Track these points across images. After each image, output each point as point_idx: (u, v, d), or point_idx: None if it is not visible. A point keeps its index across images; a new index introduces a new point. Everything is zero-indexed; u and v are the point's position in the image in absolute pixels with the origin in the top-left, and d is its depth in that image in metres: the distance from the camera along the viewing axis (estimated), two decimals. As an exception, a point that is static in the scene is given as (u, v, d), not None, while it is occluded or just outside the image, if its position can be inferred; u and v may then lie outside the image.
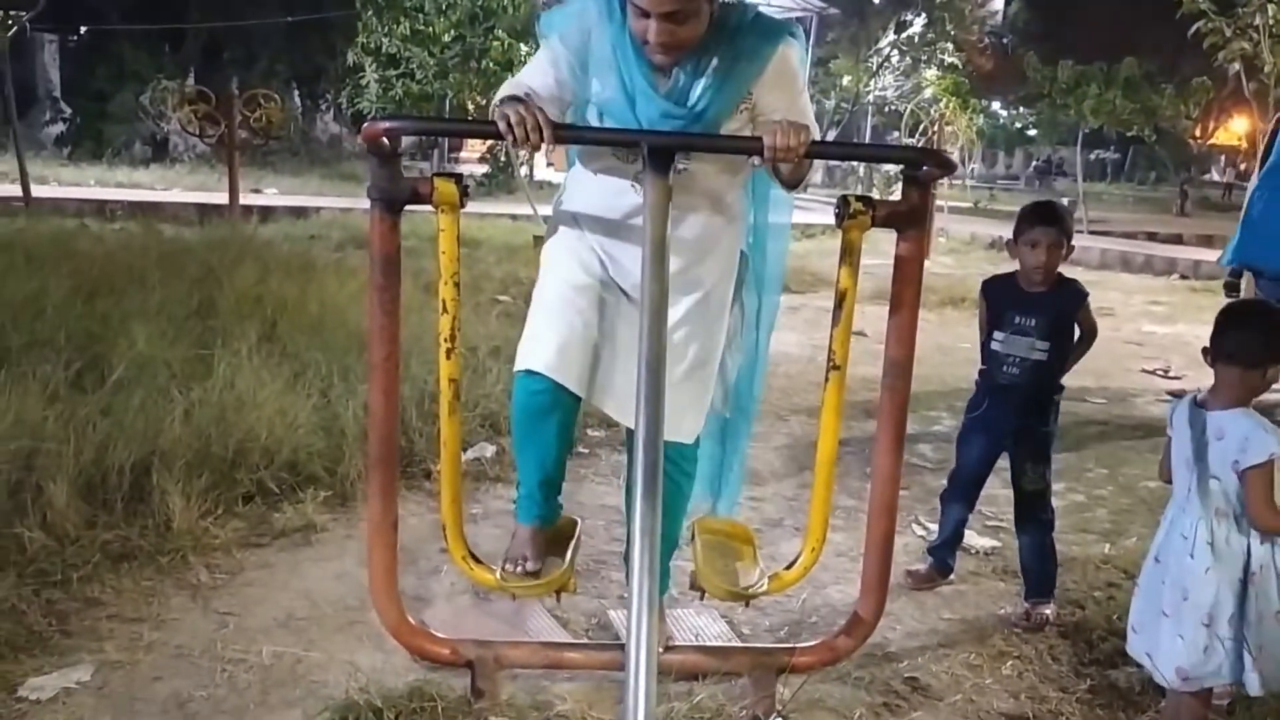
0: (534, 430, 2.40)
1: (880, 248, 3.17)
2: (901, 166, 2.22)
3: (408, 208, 2.18)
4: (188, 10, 22.13)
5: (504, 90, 2.19)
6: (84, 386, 3.90)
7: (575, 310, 2.27)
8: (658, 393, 1.81)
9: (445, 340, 2.20)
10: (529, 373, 2.30)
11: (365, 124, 2.05)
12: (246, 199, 11.71)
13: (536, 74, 2.23)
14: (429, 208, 2.14)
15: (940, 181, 16.11)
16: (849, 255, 2.14)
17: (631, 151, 2.13)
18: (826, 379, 2.21)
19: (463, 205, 2.13)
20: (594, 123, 2.25)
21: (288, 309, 5.33)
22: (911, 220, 2.12)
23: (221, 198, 11.58)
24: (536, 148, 2.00)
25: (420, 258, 5.93)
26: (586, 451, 4.39)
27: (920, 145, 16.97)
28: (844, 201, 2.12)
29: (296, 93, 24.73)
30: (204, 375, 4.07)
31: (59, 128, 22.03)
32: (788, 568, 2.37)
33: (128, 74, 20.45)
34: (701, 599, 2.44)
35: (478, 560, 2.40)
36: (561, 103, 2.23)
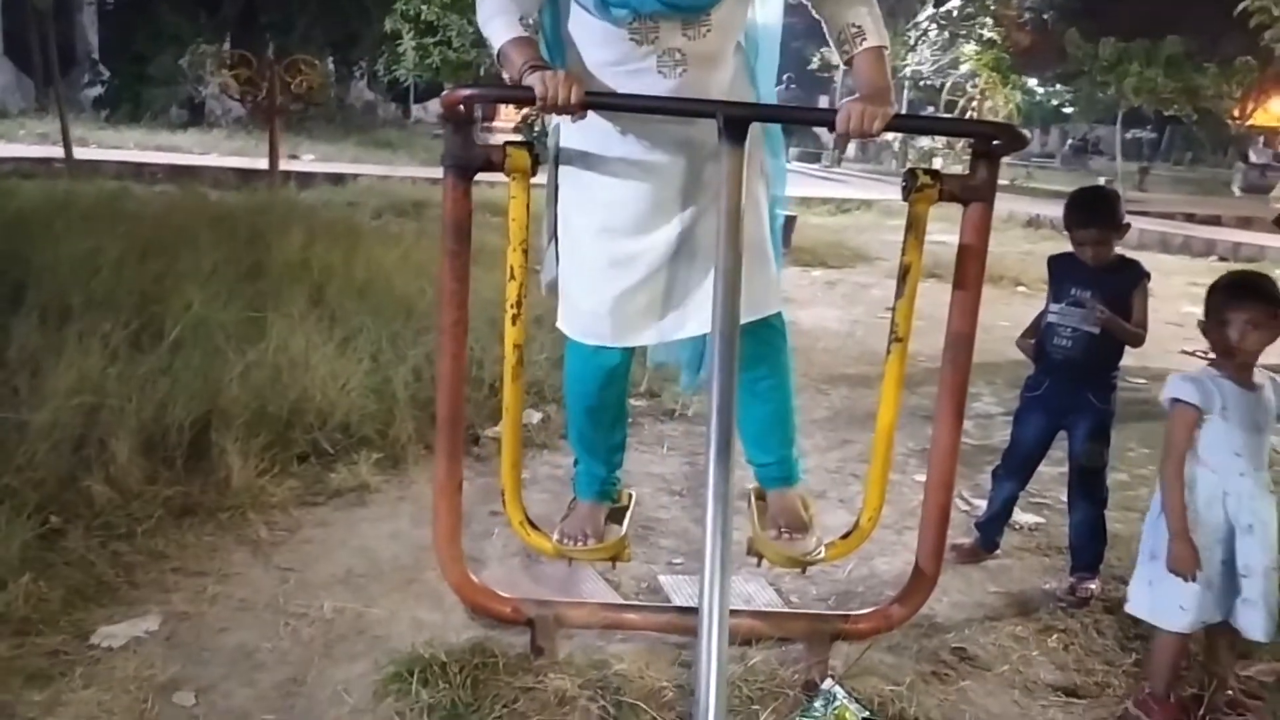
0: (593, 402, 2.45)
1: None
2: (968, 141, 2.23)
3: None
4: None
5: (484, 7, 2.09)
6: (141, 346, 3.98)
7: (613, 262, 2.24)
8: (731, 352, 1.83)
9: (512, 306, 2.24)
10: (594, 348, 2.33)
11: (445, 92, 2.08)
12: (285, 165, 11.78)
13: None
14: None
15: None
16: (915, 228, 2.15)
17: (646, 30, 2.06)
18: (889, 351, 2.23)
19: (534, 173, 2.16)
20: (592, 19, 2.10)
21: (335, 274, 5.39)
22: (979, 194, 2.13)
23: (260, 163, 11.67)
24: (571, 112, 1.97)
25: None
26: (630, 420, 4.42)
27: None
28: (911, 174, 2.13)
29: (331, 59, 24.75)
30: (257, 337, 4.14)
31: (97, 90, 22.18)
32: (845, 536, 2.40)
33: (166, 37, 20.51)
34: (759, 564, 2.48)
35: (534, 526, 2.45)
36: (538, 2, 2.14)
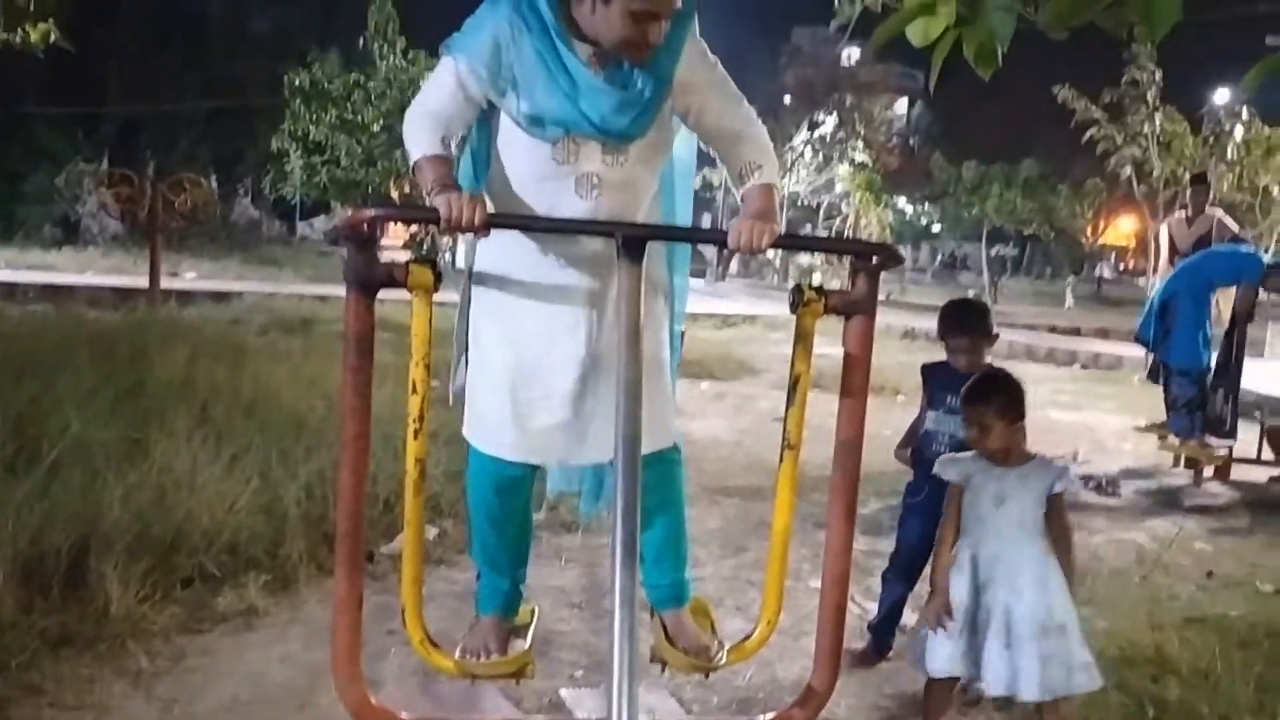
0: (496, 513, 2.46)
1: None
2: (853, 258, 2.37)
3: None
4: (105, 93, 21.96)
5: (412, 121, 2.21)
6: (17, 470, 3.81)
7: (518, 376, 2.30)
8: (634, 469, 1.89)
9: (414, 420, 2.25)
10: (494, 459, 2.36)
11: (351, 212, 2.13)
12: (165, 283, 11.55)
13: (444, 97, 2.21)
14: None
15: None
16: (802, 341, 2.27)
17: (569, 152, 2.19)
18: (782, 458, 2.31)
19: (436, 289, 2.20)
20: (520, 134, 2.21)
21: (221, 392, 5.28)
22: (861, 308, 2.26)
23: (139, 281, 11.42)
24: (474, 232, 2.07)
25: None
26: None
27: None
28: (798, 290, 2.25)
29: (215, 177, 24.57)
30: (140, 458, 4.02)
31: (-32, 209, 21.49)
32: (745, 639, 2.44)
33: (42, 155, 20.10)
34: (662, 671, 2.49)
35: (435, 644, 2.41)
36: (466, 118, 2.24)
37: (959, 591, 2.72)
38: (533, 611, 2.61)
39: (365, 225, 2.12)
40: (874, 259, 2.25)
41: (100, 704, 2.76)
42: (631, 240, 2.09)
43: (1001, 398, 2.77)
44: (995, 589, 2.69)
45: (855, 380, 2.31)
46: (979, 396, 2.78)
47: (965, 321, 3.24)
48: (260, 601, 3.44)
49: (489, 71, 2.18)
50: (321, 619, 3.15)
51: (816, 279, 18.13)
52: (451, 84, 2.21)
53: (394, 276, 2.17)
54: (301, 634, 3.27)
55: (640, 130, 2.23)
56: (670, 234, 2.26)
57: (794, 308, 2.26)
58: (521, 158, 2.25)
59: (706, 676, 2.64)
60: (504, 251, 2.30)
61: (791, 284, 2.28)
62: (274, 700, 2.85)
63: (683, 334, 2.69)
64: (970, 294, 14.58)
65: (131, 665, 2.99)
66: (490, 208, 2.27)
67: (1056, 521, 2.75)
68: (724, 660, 2.37)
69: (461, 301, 2.44)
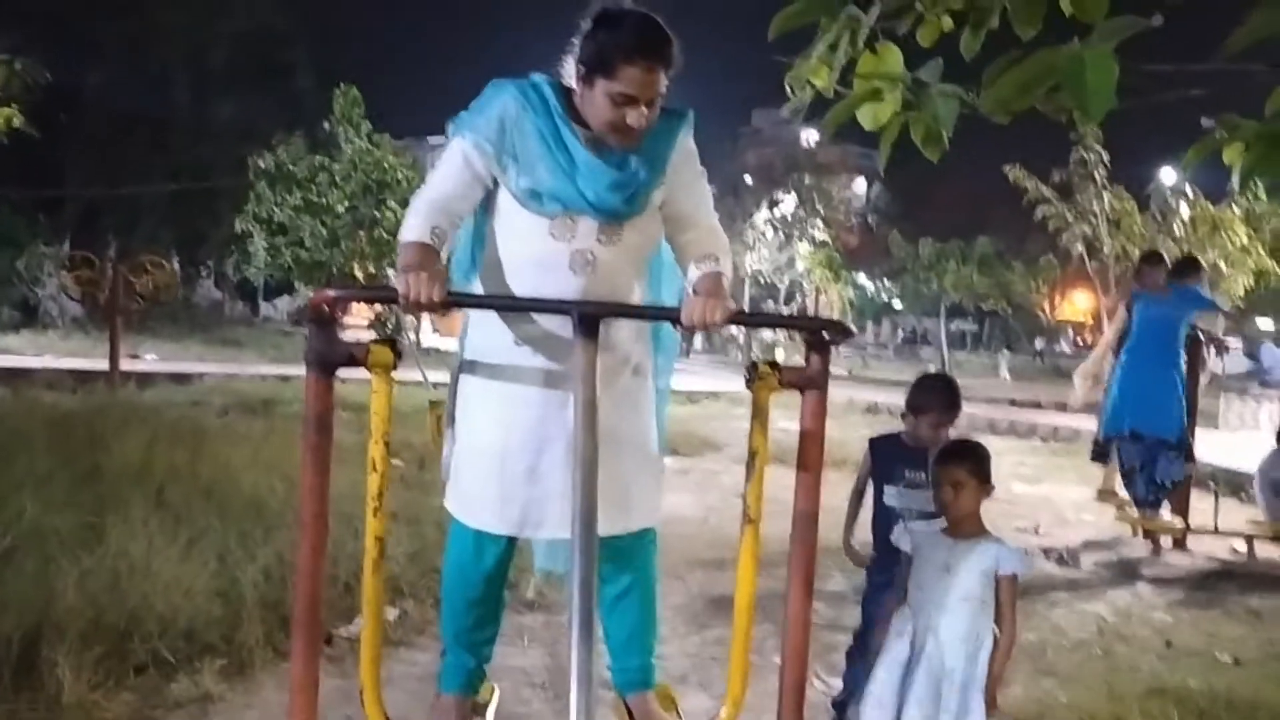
0: (471, 591, 2.47)
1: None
2: (805, 333, 2.43)
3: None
4: (68, 176, 21.98)
5: (412, 206, 2.33)
6: (-33, 556, 3.75)
7: (504, 452, 2.37)
8: (591, 545, 1.91)
9: (373, 499, 2.26)
10: (476, 532, 2.37)
11: (314, 293, 2.16)
12: (125, 365, 11.46)
13: (450, 175, 2.33)
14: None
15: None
16: (759, 416, 2.31)
17: (566, 229, 2.30)
18: (742, 532, 2.33)
19: (395, 368, 2.23)
20: (520, 211, 2.33)
21: (179, 475, 5.24)
22: (814, 382, 2.31)
23: (99, 364, 11.34)
24: (432, 311, 2.15)
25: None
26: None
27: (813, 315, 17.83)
28: (753, 366, 2.31)
29: (178, 258, 24.55)
30: (95, 543, 3.96)
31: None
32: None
33: (3, 239, 19.99)
34: (627, 754, 2.47)
35: (394, 726, 2.39)
36: (472, 198, 2.35)
37: (899, 655, 2.76)
38: (492, 689, 2.60)
39: (327, 306, 2.15)
40: (825, 334, 2.31)
41: (48, 797, 2.69)
42: (587, 318, 2.14)
43: (975, 459, 2.84)
44: (930, 660, 2.72)
45: (811, 453, 2.34)
46: (954, 457, 2.85)
47: (938, 395, 3.29)
48: (215, 687, 3.37)
49: (494, 147, 2.30)
50: (278, 704, 3.09)
51: (779, 354, 18.32)
52: (459, 161, 2.33)
53: (354, 356, 2.20)
54: (258, 720, 3.21)
55: (634, 210, 2.34)
56: (625, 311, 2.32)
57: (749, 383, 2.31)
58: (520, 235, 2.35)
59: (672, 756, 2.62)
60: (493, 330, 2.40)
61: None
62: (228, 789, 2.78)
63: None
64: (930, 368, 14.77)
65: (82, 755, 2.91)
66: (483, 288, 2.41)
67: (1004, 603, 2.75)
68: (689, 741, 2.36)
69: (451, 380, 2.51)
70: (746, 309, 30.77)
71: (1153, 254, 7.45)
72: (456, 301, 2.14)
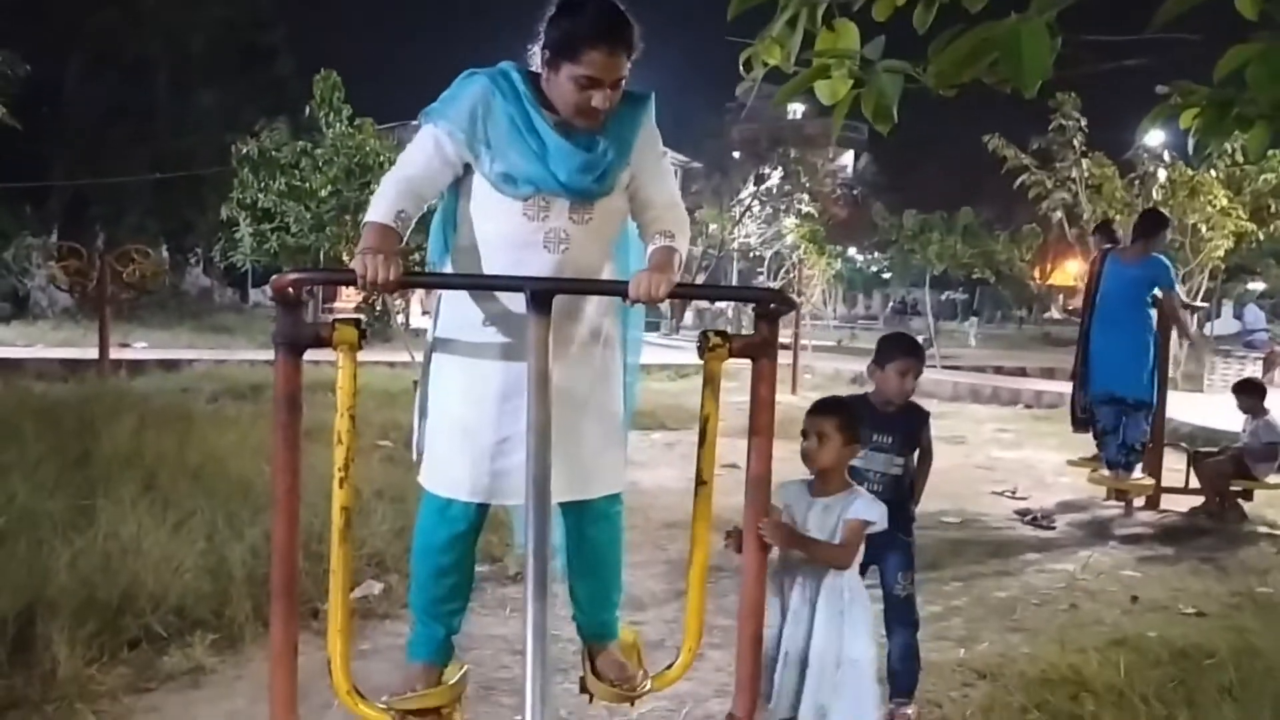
0: (440, 561, 2.57)
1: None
2: (753, 305, 2.54)
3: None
4: (53, 168, 21.95)
5: (381, 187, 2.43)
6: (-39, 540, 3.86)
7: (475, 423, 2.46)
8: (544, 508, 2.02)
9: (339, 470, 2.36)
10: (447, 501, 2.48)
11: (274, 276, 2.26)
12: (116, 353, 11.54)
13: (420, 160, 2.43)
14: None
15: (804, 321, 17.11)
16: (710, 383, 2.43)
17: (539, 209, 2.39)
18: (696, 494, 2.46)
19: (360, 347, 2.34)
20: (493, 194, 2.42)
21: (167, 459, 5.35)
22: (763, 351, 2.42)
23: (89, 353, 11.40)
24: (388, 290, 2.27)
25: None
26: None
27: (772, 286, 17.86)
28: (704, 336, 2.42)
29: (165, 247, 24.53)
30: (86, 525, 4.08)
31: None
32: (668, 667, 2.56)
33: (-11, 231, 20.01)
34: (590, 702, 2.60)
35: (362, 695, 2.48)
36: (440, 182, 2.45)
37: (773, 619, 2.72)
38: (462, 667, 2.69)
39: (291, 289, 2.26)
40: (771, 305, 2.42)
41: (46, 765, 2.81)
42: (540, 294, 2.24)
43: (844, 415, 2.82)
44: (797, 622, 2.74)
45: (762, 419, 2.46)
46: (823, 409, 2.83)
47: (905, 346, 3.40)
48: (207, 660, 3.50)
49: (466, 135, 2.39)
50: (267, 674, 3.21)
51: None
52: (430, 147, 2.42)
53: (321, 336, 2.30)
54: (248, 690, 3.34)
55: (604, 189, 2.44)
56: (576, 287, 2.42)
57: (701, 353, 2.42)
58: (494, 216, 2.44)
59: (632, 704, 2.75)
60: (462, 309, 2.49)
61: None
62: (219, 754, 2.91)
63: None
64: (920, 338, 14.88)
65: (79, 726, 3.03)
66: (457, 268, 2.51)
67: (847, 542, 2.75)
68: (649, 687, 2.49)
69: (425, 359, 2.60)
70: (735, 282, 30.73)
71: (1104, 224, 7.50)
72: (411, 282, 2.24)
